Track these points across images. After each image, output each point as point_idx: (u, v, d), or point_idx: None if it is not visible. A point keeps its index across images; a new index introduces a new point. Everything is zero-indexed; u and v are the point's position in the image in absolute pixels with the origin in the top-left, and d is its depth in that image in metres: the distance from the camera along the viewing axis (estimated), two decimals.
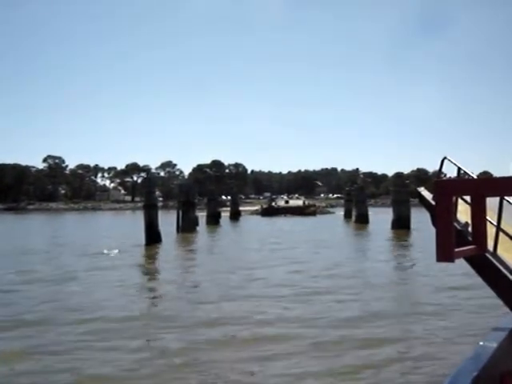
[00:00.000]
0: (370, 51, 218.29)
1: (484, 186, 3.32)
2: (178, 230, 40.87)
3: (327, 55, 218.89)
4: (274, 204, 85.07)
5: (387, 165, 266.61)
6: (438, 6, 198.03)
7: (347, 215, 63.69)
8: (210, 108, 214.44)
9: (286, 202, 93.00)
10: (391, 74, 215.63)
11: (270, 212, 75.82)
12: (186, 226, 40.44)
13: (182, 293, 15.96)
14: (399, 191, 37.75)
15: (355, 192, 54.54)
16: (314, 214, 76.66)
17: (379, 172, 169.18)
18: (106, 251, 26.29)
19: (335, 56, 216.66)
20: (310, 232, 40.77)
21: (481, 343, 2.67)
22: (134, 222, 52.78)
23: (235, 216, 66.45)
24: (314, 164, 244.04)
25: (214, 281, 17.87)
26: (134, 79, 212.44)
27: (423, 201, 8.29)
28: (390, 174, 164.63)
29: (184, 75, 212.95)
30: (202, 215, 51.43)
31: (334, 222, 57.33)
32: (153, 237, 29.03)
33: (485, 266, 5.28)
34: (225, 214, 64.09)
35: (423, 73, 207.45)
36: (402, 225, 37.53)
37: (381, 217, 56.70)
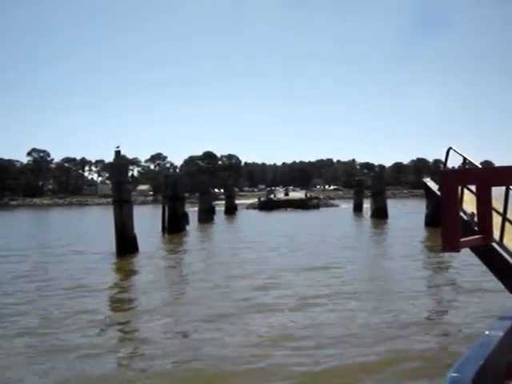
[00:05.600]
0: (370, 48, 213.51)
1: (489, 176, 3.36)
2: (164, 230, 33.64)
3: (325, 52, 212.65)
4: (272, 196, 77.73)
5: (384, 155, 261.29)
6: (439, 5, 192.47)
7: (357, 208, 56.49)
8: (201, 100, 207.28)
9: (286, 194, 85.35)
10: (390, 70, 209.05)
11: (268, 205, 68.22)
12: (173, 226, 33.15)
13: None
14: (436, 180, 29.54)
15: (374, 182, 47.03)
16: (317, 207, 69.22)
17: (376, 163, 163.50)
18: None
19: (334, 53, 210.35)
20: (334, 232, 32.26)
21: (487, 332, 2.53)
22: None
23: (231, 210, 59.17)
24: (308, 155, 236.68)
25: None
26: (122, 72, 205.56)
27: (429, 191, 9.26)
28: (388, 164, 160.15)
29: (173, 70, 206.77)
30: (193, 211, 44.53)
31: (345, 217, 50.14)
32: (126, 244, 21.51)
33: (491, 256, 5.59)
34: (219, 208, 57.00)
35: (423, 69, 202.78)
36: (439, 221, 30.18)
37: (393, 210, 49.61)
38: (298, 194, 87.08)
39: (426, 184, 9.38)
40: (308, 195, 79.87)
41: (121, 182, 21.66)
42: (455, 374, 2.06)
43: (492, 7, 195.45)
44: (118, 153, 21.28)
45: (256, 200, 76.57)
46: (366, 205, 55.36)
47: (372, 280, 15.70)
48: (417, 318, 10.89)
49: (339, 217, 50.58)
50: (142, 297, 13.89)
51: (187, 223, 35.47)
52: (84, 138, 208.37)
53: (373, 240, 29.76)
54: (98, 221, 54.79)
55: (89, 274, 17.59)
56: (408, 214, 49.77)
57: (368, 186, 55.83)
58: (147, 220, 46.36)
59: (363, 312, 11.41)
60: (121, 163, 22.04)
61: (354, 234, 33.25)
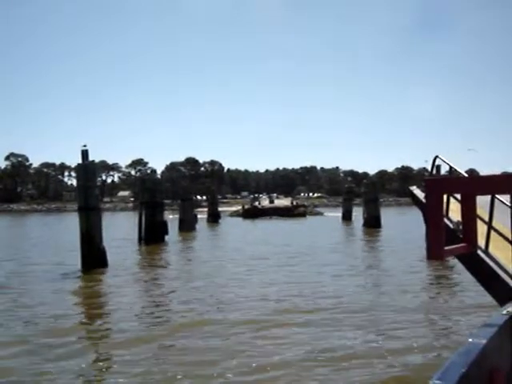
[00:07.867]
0: (366, 51, 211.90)
1: (474, 184, 3.27)
2: (141, 240, 30.66)
3: (314, 55, 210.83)
4: (257, 204, 74.93)
5: (368, 163, 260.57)
6: (438, 8, 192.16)
7: (346, 217, 54.31)
8: (184, 105, 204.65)
9: (271, 201, 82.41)
10: (381, 75, 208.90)
11: (253, 213, 65.51)
12: (151, 235, 30.20)
13: None
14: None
15: (366, 189, 44.27)
16: (303, 215, 66.74)
17: (360, 170, 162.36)
18: None
19: (326, 56, 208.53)
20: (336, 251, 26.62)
21: (470, 339, 2.51)
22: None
23: (214, 218, 56.37)
24: (292, 162, 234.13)
25: None
26: (104, 77, 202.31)
27: (415, 200, 8.93)
28: (372, 172, 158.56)
29: (157, 75, 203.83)
30: (173, 218, 41.66)
31: (336, 226, 47.35)
32: (93, 258, 18.58)
33: (476, 264, 5.64)
34: (201, 215, 54.11)
35: (416, 74, 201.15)
36: None
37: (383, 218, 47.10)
38: (283, 202, 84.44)
39: (412, 192, 9.15)
40: (294, 203, 77.25)
41: (87, 186, 18.67)
42: (438, 381, 2.02)
43: (492, 11, 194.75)
44: (84, 152, 18.34)
45: (240, 207, 74.01)
46: (355, 213, 53.14)
47: None
48: None
49: (329, 226, 47.66)
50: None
51: (166, 233, 32.34)
52: (63, 143, 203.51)
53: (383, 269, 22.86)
54: (73, 229, 51.61)
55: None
56: (401, 223, 47.88)
57: (359, 193, 53.47)
58: (125, 228, 43.36)
59: None
60: (87, 164, 19.05)
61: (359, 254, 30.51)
